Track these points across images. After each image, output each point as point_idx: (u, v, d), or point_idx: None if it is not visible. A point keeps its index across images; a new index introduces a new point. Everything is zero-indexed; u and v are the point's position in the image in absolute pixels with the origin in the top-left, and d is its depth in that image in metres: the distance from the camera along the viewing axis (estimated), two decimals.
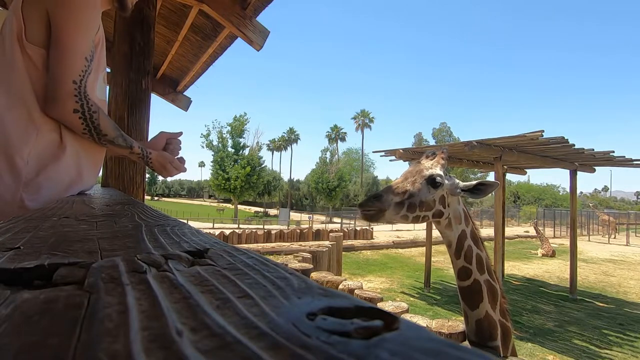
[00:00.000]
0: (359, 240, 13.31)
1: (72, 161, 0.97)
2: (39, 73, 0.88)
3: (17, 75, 0.87)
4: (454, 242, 1.57)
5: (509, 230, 17.78)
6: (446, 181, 1.52)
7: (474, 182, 1.55)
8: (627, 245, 15.87)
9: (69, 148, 0.96)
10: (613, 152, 6.24)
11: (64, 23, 0.85)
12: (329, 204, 36.21)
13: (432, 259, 7.76)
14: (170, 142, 1.27)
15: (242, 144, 32.75)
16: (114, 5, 1.10)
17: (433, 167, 1.54)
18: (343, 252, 7.75)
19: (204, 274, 0.21)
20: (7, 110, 0.87)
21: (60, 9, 0.85)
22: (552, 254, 11.65)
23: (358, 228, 15.24)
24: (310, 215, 27.41)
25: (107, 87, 1.24)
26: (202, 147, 32.73)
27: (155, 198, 68.18)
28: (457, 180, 1.56)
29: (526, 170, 9.34)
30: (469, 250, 1.57)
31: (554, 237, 18.89)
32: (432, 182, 1.49)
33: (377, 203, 1.43)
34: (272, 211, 41.87)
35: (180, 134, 1.31)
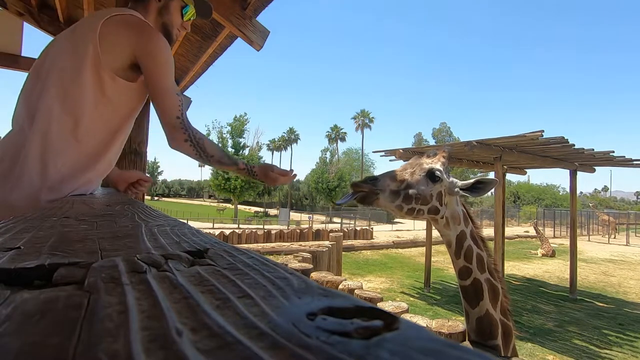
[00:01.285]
0: (359, 240, 13.30)
1: (94, 174, 1.07)
2: (100, 95, 0.99)
3: (78, 91, 0.96)
4: (453, 242, 1.57)
5: (509, 230, 17.78)
6: (445, 177, 1.52)
7: (472, 180, 1.54)
8: (627, 245, 15.87)
9: (100, 164, 1.06)
10: (613, 152, 6.24)
11: (157, 71, 1.00)
12: (329, 204, 36.21)
13: (432, 259, 7.76)
14: (140, 183, 1.38)
15: (242, 144, 32.75)
16: None
17: (433, 163, 1.54)
18: (343, 252, 7.75)
19: (204, 274, 0.21)
20: (56, 120, 0.95)
21: (152, 60, 1.00)
22: (552, 254, 11.65)
23: (358, 228, 15.23)
24: (310, 215, 27.41)
25: None
26: None
27: (155, 198, 68.15)
28: (456, 180, 1.56)
29: (526, 170, 9.34)
30: (469, 250, 1.57)
31: (554, 237, 18.89)
32: (431, 175, 1.48)
33: (371, 185, 1.41)
34: (272, 211, 41.86)
35: (150, 180, 1.44)
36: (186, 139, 1.04)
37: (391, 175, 1.48)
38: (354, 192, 1.44)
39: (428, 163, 1.53)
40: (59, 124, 0.95)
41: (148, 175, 1.43)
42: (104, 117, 1.03)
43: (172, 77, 1.04)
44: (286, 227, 16.71)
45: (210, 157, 1.10)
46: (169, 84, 1.02)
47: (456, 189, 1.53)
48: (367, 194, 1.41)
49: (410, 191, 1.45)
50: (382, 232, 17.10)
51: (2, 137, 1.01)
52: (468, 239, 1.58)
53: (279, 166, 1.28)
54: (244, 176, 1.24)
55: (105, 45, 0.97)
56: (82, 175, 1.02)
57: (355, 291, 3.32)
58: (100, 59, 0.97)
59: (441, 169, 1.51)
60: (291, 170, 1.29)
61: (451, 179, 1.55)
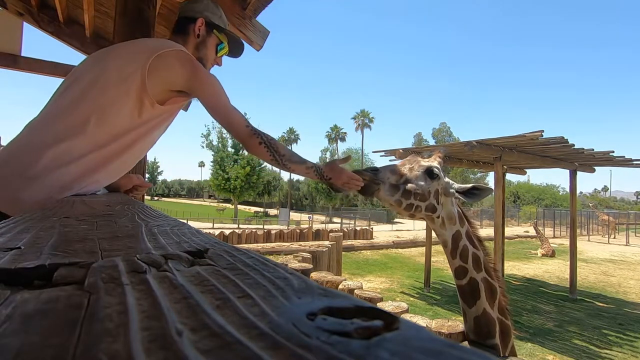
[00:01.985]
0: (358, 240, 13.30)
1: (102, 175, 1.09)
2: (137, 118, 1.06)
3: (116, 112, 1.02)
4: (449, 242, 1.58)
5: (509, 230, 17.78)
6: (442, 176, 1.53)
7: (469, 185, 1.55)
8: (627, 245, 15.86)
9: (112, 165, 1.08)
10: (613, 152, 6.24)
11: (216, 99, 1.09)
12: (329, 204, 36.20)
13: (432, 259, 7.76)
14: (136, 187, 1.41)
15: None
16: None
17: (431, 162, 1.55)
18: (343, 252, 7.75)
19: (204, 274, 0.21)
20: (89, 132, 0.99)
21: (208, 91, 1.09)
22: (552, 254, 11.65)
23: (358, 228, 15.24)
24: (310, 215, 27.41)
25: None
26: (202, 147, 32.76)
27: (155, 198, 68.15)
28: (452, 182, 1.57)
29: (526, 170, 9.34)
30: (465, 250, 1.57)
31: (554, 237, 18.89)
32: (429, 172, 1.49)
33: (372, 175, 1.41)
34: (272, 211, 41.85)
35: (147, 185, 1.47)
36: (260, 142, 1.11)
37: (391, 168, 1.49)
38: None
39: (426, 161, 1.55)
40: (88, 136, 0.99)
41: (146, 181, 1.44)
42: (132, 132, 1.08)
43: (227, 99, 1.12)
44: (286, 227, 16.71)
45: (282, 156, 1.15)
46: (228, 103, 1.11)
47: (452, 190, 1.54)
48: (368, 183, 1.41)
49: (409, 186, 1.45)
50: (382, 232, 17.10)
51: (23, 133, 1.02)
52: (464, 239, 1.58)
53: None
54: (315, 179, 1.25)
55: (154, 77, 1.03)
56: (92, 177, 1.05)
57: (355, 291, 3.32)
58: (146, 89, 1.03)
59: (439, 167, 1.53)
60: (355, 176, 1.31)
61: (447, 179, 1.56)
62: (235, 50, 1.40)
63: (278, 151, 1.14)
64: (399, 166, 1.51)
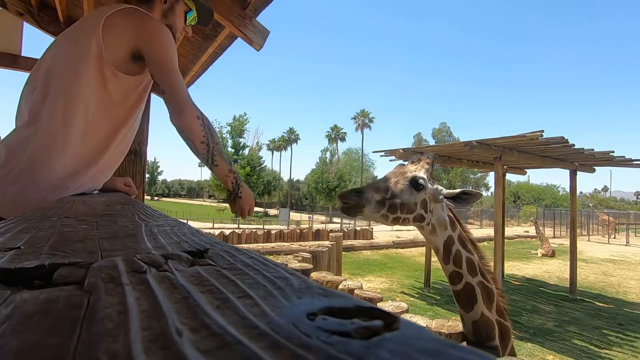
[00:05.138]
0: (358, 240, 13.30)
1: (97, 170, 1.07)
2: (103, 91, 1.00)
3: (81, 88, 0.97)
4: (441, 248, 1.57)
5: (509, 230, 17.78)
6: (429, 185, 1.52)
7: (458, 190, 1.55)
8: (627, 245, 15.86)
9: (102, 159, 1.06)
10: (613, 152, 6.24)
11: (161, 54, 1.00)
12: (329, 204, 36.20)
13: (432, 259, 7.74)
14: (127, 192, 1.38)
15: (242, 144, 32.78)
16: None
17: (417, 170, 1.54)
18: (343, 252, 7.75)
19: (204, 274, 0.21)
20: (60, 118, 0.96)
21: (156, 44, 1.01)
22: (552, 254, 11.65)
23: (358, 228, 15.23)
24: (310, 215, 27.41)
25: None
26: None
27: (155, 198, 68.16)
28: (441, 187, 1.56)
29: (526, 170, 9.34)
30: (458, 255, 1.56)
31: (554, 237, 18.89)
32: (414, 184, 1.48)
33: (357, 198, 1.42)
34: (272, 211, 41.85)
35: (133, 193, 1.42)
36: (198, 115, 1.01)
37: (375, 186, 1.49)
38: (340, 203, 1.46)
39: (411, 171, 1.53)
40: (62, 122, 0.96)
41: (130, 188, 1.40)
42: (106, 112, 1.04)
43: (176, 61, 1.03)
44: (286, 227, 16.71)
45: (215, 144, 1.04)
46: (175, 65, 1.02)
47: (440, 197, 1.53)
48: (352, 206, 1.43)
49: (395, 200, 1.46)
50: (382, 232, 17.10)
51: (3, 137, 1.01)
52: (456, 244, 1.57)
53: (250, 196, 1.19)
54: (226, 185, 1.13)
55: (107, 39, 0.98)
56: (86, 172, 1.03)
57: (355, 291, 3.32)
58: (102, 55, 0.98)
59: (425, 176, 1.51)
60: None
61: (435, 185, 1.55)
62: (205, 19, 1.33)
63: (213, 137, 1.03)
64: (384, 182, 1.51)
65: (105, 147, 1.06)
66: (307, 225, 17.26)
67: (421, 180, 1.48)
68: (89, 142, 1.01)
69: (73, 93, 0.97)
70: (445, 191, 1.55)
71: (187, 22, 1.26)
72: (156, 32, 1.01)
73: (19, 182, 0.92)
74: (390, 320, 0.14)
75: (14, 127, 1.01)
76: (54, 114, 0.95)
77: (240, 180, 1.14)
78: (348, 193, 1.44)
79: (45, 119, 0.95)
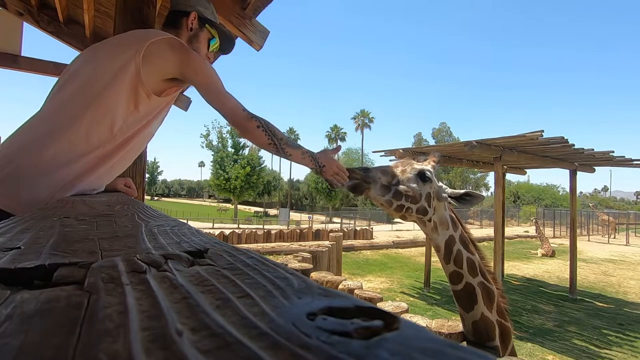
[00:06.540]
0: (358, 240, 13.29)
1: (104, 171, 1.09)
2: (133, 109, 1.05)
3: (112, 104, 1.01)
4: (442, 247, 1.56)
5: (509, 230, 17.77)
6: (435, 180, 1.52)
7: (462, 191, 1.55)
8: (626, 245, 15.86)
9: (112, 160, 1.08)
10: (613, 152, 6.24)
11: (210, 83, 1.08)
12: (329, 204, 36.20)
13: (432, 259, 7.74)
14: (127, 187, 1.41)
15: (242, 143, 32.74)
16: None
17: (424, 165, 1.54)
18: (343, 252, 7.75)
19: (204, 274, 0.21)
20: (85, 126, 0.98)
21: (202, 76, 1.08)
22: (552, 254, 11.65)
23: (358, 228, 15.22)
24: (310, 215, 27.41)
25: None
26: (202, 147, 32.76)
27: (155, 198, 68.17)
28: (445, 186, 1.56)
29: (526, 170, 9.34)
30: (459, 255, 1.55)
31: (554, 237, 18.88)
32: (422, 175, 1.48)
33: (363, 174, 1.41)
34: (272, 211, 41.83)
35: (132, 194, 1.44)
36: (258, 125, 1.09)
37: (382, 169, 1.49)
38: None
39: (419, 163, 1.54)
40: (85, 135, 0.98)
41: (130, 188, 1.41)
42: (129, 128, 1.07)
43: (222, 83, 1.11)
44: (286, 227, 16.71)
45: (280, 140, 1.12)
46: (222, 88, 1.10)
47: (444, 195, 1.53)
48: (359, 182, 1.41)
49: (401, 187, 1.45)
50: (382, 232, 17.09)
51: (15, 134, 1.01)
52: (457, 244, 1.56)
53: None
54: (309, 165, 1.22)
55: (147, 66, 1.03)
56: (93, 174, 1.05)
57: (355, 291, 3.32)
58: (141, 79, 1.02)
59: (432, 170, 1.52)
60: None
61: (440, 184, 1.55)
62: (226, 46, 1.39)
63: (276, 135, 1.12)
64: (392, 167, 1.51)
65: (118, 150, 1.08)
66: (307, 225, 17.25)
67: (428, 173, 1.49)
68: (106, 150, 1.04)
69: (102, 108, 1.00)
70: (449, 190, 1.55)
71: (210, 49, 1.32)
72: (200, 65, 1.08)
73: (35, 182, 0.94)
74: (390, 320, 0.14)
75: (35, 125, 1.01)
76: (79, 123, 0.97)
77: (315, 156, 1.22)
78: (355, 169, 1.43)
79: (68, 127, 0.97)
